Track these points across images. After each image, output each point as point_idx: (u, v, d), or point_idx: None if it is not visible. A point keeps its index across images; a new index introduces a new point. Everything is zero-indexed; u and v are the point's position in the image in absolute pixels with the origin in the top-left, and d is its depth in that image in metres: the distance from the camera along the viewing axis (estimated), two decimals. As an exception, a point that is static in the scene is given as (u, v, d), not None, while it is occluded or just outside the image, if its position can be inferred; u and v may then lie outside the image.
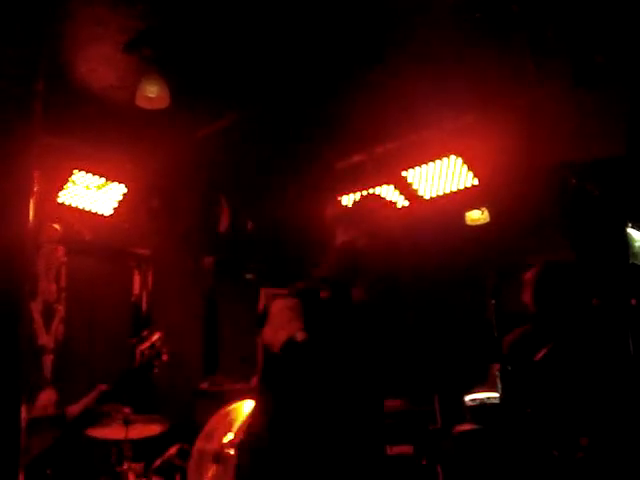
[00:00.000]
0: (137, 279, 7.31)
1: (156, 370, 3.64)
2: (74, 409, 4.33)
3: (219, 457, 4.72)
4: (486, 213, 6.58)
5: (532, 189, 5.60)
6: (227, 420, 4.94)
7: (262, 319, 2.64)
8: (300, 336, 2.45)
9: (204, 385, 6.98)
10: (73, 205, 6.33)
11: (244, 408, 5.03)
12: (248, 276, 8.12)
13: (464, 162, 6.17)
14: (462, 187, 6.27)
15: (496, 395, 3.96)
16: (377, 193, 6.29)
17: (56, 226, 5.92)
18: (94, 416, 3.83)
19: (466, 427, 4.63)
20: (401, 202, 6.65)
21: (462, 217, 6.67)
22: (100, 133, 5.86)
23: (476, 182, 6.20)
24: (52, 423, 4.27)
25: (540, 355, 3.65)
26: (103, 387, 3.47)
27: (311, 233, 7.06)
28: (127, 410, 4.84)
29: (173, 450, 5.20)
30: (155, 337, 3.58)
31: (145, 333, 3.65)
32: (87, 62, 5.05)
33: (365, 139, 6.29)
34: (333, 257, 2.82)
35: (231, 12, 4.64)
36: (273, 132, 6.29)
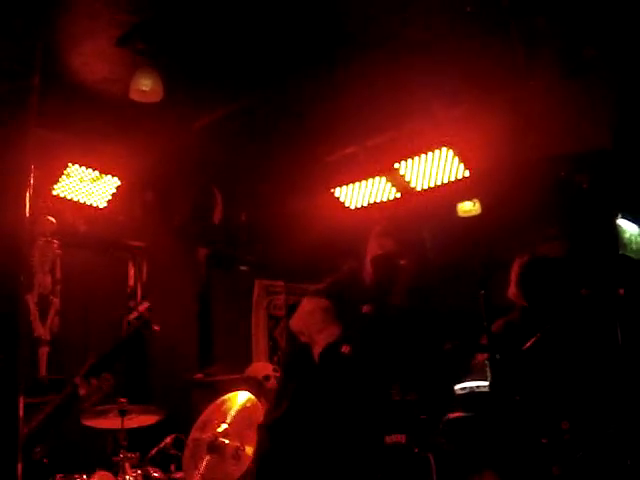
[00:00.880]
0: (132, 271, 7.35)
1: (146, 340, 3.59)
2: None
3: (214, 447, 4.77)
4: (477, 205, 6.62)
5: (523, 181, 5.65)
6: (221, 410, 4.99)
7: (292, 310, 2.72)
8: (346, 349, 2.52)
9: (199, 376, 7.03)
10: (68, 198, 6.36)
11: (238, 398, 5.08)
12: (242, 268, 8.17)
13: (456, 154, 6.22)
14: (454, 179, 6.32)
15: (485, 383, 4.01)
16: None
17: (51, 219, 5.94)
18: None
19: (456, 415, 4.69)
20: (393, 194, 6.70)
21: (454, 209, 6.71)
22: (94, 126, 5.89)
23: (467, 174, 6.24)
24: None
25: (529, 344, 3.71)
26: (92, 360, 3.48)
27: (304, 225, 7.12)
28: (123, 400, 4.89)
29: (169, 440, 5.25)
30: (143, 307, 3.56)
31: (132, 304, 3.62)
32: (81, 56, 5.08)
33: (357, 131, 6.33)
34: (370, 269, 2.86)
35: (223, 5, 4.67)
36: (266, 125, 6.32)
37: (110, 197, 6.61)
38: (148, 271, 7.34)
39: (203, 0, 4.60)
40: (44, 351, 5.86)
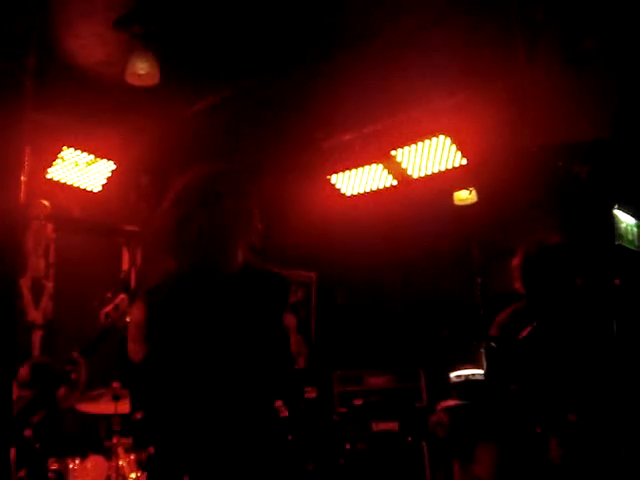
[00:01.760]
0: (126, 256, 7.32)
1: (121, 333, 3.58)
2: None
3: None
4: (474, 193, 6.61)
5: (520, 170, 5.64)
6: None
7: None
8: None
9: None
10: (62, 181, 6.33)
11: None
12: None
13: (453, 142, 6.20)
14: (450, 167, 6.31)
15: (481, 372, 4.02)
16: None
17: (45, 202, 5.91)
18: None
19: (451, 403, 4.71)
20: (389, 181, 6.69)
21: (450, 197, 6.70)
22: (89, 110, 5.85)
23: (464, 162, 6.23)
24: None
25: (524, 333, 3.71)
26: (75, 354, 3.47)
27: (300, 211, 7.10)
28: (116, 385, 4.88)
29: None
30: (119, 299, 3.51)
31: (109, 295, 3.57)
32: (77, 38, 5.02)
33: (354, 118, 6.30)
34: None
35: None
36: (262, 110, 6.29)
37: (105, 181, 6.58)
38: (142, 256, 7.31)
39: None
40: (37, 335, 5.85)
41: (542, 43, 4.84)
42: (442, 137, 6.22)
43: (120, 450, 4.87)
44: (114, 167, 6.58)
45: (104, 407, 4.93)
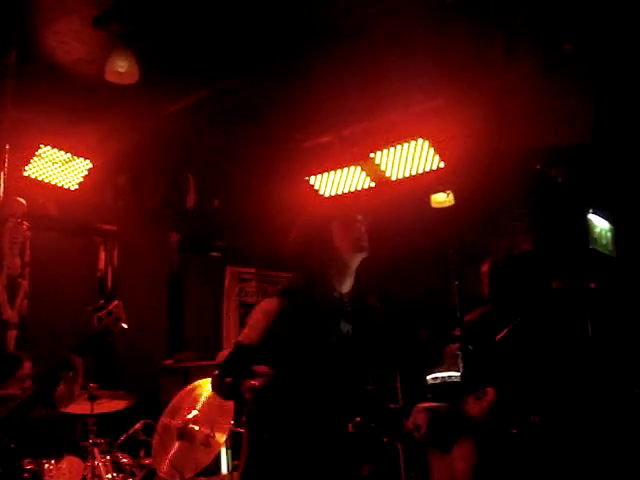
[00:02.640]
0: (102, 255, 7.29)
1: (113, 337, 3.64)
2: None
3: (184, 433, 4.75)
4: (451, 196, 6.65)
5: (497, 173, 5.69)
6: (192, 396, 4.97)
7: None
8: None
9: (169, 361, 6.99)
10: (39, 179, 6.27)
11: (209, 385, 5.06)
12: (214, 254, 8.13)
13: (431, 145, 6.23)
14: (428, 169, 6.33)
15: (457, 374, 4.05)
16: None
17: (21, 200, 5.86)
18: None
19: (427, 405, 4.72)
20: (367, 183, 6.71)
21: (427, 199, 6.74)
22: (67, 108, 5.81)
23: (442, 165, 6.26)
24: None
25: (501, 335, 3.74)
26: (72, 356, 3.49)
27: (278, 212, 7.10)
28: (93, 385, 4.86)
29: (138, 426, 5.22)
30: (112, 305, 3.58)
31: (102, 302, 3.64)
32: (56, 35, 5.00)
33: (333, 120, 6.31)
34: None
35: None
36: (241, 111, 6.29)
37: (81, 179, 6.53)
38: (119, 255, 7.28)
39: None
40: (12, 334, 5.80)
41: (521, 48, 4.89)
42: (420, 140, 6.25)
43: (96, 451, 4.85)
44: (91, 166, 6.53)
45: (80, 407, 4.90)
